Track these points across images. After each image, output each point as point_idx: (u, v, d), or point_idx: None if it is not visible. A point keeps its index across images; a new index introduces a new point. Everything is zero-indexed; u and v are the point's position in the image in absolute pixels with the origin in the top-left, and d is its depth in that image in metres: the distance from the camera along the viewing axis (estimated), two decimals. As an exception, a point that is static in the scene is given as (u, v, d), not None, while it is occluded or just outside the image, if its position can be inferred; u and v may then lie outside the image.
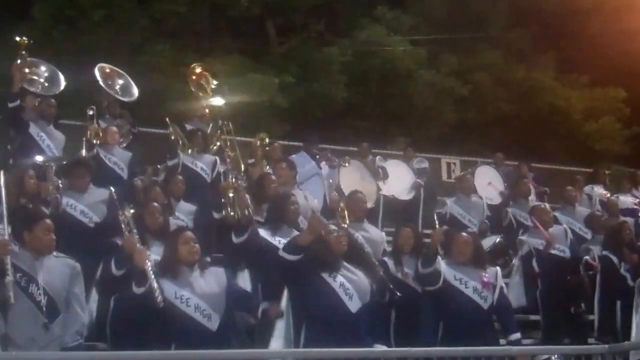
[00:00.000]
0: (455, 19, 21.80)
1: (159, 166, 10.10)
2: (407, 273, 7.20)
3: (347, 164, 10.68)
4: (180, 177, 8.72)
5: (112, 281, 6.31)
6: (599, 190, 12.83)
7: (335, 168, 10.61)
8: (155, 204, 7.08)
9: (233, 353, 4.87)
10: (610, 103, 21.96)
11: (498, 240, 9.58)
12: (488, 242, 9.45)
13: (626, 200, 12.16)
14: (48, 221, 5.66)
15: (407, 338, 6.70)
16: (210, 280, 5.76)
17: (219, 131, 10.19)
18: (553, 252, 9.06)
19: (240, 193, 7.45)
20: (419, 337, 6.70)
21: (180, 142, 9.93)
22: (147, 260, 5.63)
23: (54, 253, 5.60)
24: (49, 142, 9.31)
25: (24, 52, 8.75)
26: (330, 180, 9.95)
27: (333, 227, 6.26)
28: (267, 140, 10.62)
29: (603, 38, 20.93)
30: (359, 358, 5.34)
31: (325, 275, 5.92)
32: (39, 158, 8.11)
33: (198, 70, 10.82)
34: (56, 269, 5.51)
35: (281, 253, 6.10)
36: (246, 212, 7.25)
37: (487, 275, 6.80)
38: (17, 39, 8.77)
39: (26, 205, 6.84)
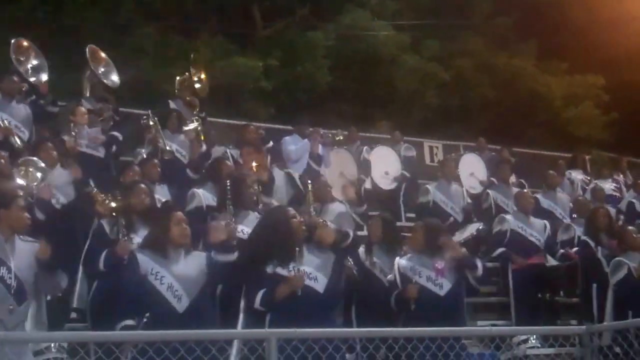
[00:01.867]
0: (438, 5, 21.93)
1: (140, 149, 10.01)
2: (374, 263, 7.23)
3: (340, 137, 10.75)
4: (155, 161, 8.63)
5: (96, 272, 6.43)
6: (578, 176, 12.99)
7: (328, 146, 10.70)
8: (143, 185, 7.04)
9: (216, 333, 4.78)
10: (589, 89, 22.15)
11: (480, 227, 9.64)
12: (470, 229, 9.55)
13: (605, 186, 12.31)
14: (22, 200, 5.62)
15: (368, 320, 6.80)
16: (189, 263, 5.65)
17: (199, 122, 10.19)
18: (528, 237, 9.26)
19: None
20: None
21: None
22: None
23: (20, 237, 5.46)
24: (11, 121, 9.01)
25: None
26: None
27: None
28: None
29: (583, 26, 21.18)
30: (343, 337, 5.37)
31: (283, 272, 5.72)
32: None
33: (198, 61, 10.89)
34: (24, 252, 5.39)
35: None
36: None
37: (440, 263, 6.70)
38: None
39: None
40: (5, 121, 8.80)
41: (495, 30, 22.39)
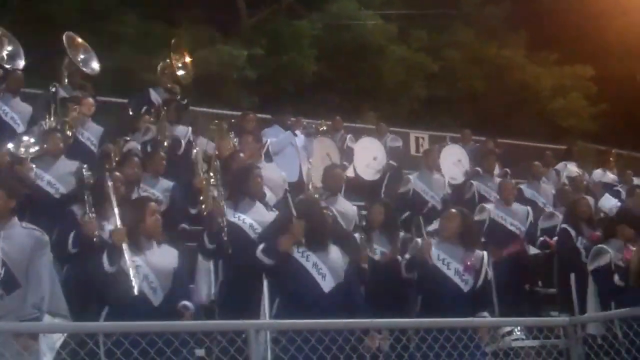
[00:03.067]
0: (427, -5, 21.76)
1: (127, 138, 9.87)
2: (375, 249, 7.19)
3: (324, 127, 10.60)
4: (162, 154, 8.54)
5: (66, 256, 6.26)
6: (572, 167, 12.88)
7: (311, 136, 10.48)
8: (118, 173, 6.97)
9: (212, 324, 4.83)
10: (577, 80, 22.06)
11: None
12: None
13: (610, 175, 12.35)
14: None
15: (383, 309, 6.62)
16: (164, 256, 5.69)
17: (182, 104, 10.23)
18: (508, 227, 9.16)
19: (211, 188, 7.30)
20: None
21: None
22: (124, 239, 5.50)
23: (22, 224, 5.47)
24: (12, 115, 9.20)
25: None
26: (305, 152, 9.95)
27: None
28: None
29: (573, 17, 21.12)
30: (335, 329, 5.19)
31: (297, 256, 5.78)
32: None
33: (179, 46, 10.81)
34: (18, 239, 5.34)
35: (258, 254, 5.79)
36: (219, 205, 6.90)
37: (471, 258, 6.56)
38: None
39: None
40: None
41: (484, 21, 22.27)
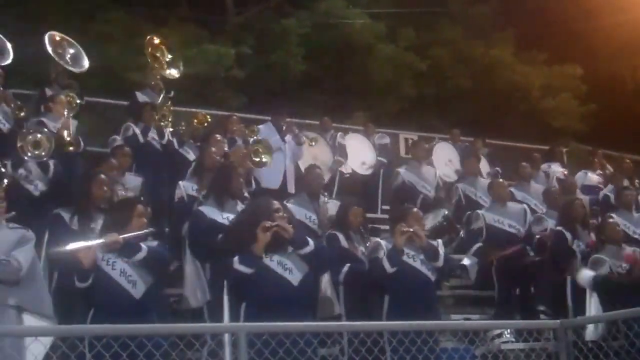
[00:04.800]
0: (415, -7, 21.67)
1: (116, 137, 9.95)
2: (356, 246, 7.36)
3: (314, 144, 10.58)
4: (127, 149, 8.62)
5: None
6: (556, 168, 12.90)
7: (302, 145, 10.45)
8: (103, 175, 6.98)
9: (188, 327, 4.70)
10: (567, 80, 21.97)
11: (445, 213, 9.50)
12: (436, 216, 9.40)
13: (592, 177, 12.27)
14: None
15: (353, 310, 6.92)
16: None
17: (168, 102, 10.22)
18: (507, 229, 9.13)
19: None
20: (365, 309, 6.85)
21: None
22: (93, 259, 5.53)
23: (9, 224, 5.55)
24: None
25: None
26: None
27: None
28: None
29: (561, 16, 21.01)
30: (313, 331, 5.35)
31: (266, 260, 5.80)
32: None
33: (155, 41, 10.62)
34: (5, 238, 5.43)
35: (236, 266, 5.75)
36: None
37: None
38: None
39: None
40: None
41: (472, 20, 22.13)
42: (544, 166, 12.84)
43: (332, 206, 8.14)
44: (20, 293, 5.40)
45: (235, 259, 5.73)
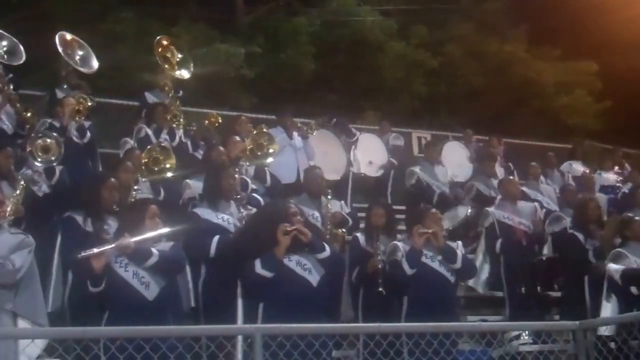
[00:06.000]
0: (426, -11, 21.54)
1: (128, 139, 9.93)
2: (378, 246, 7.30)
3: (312, 132, 10.50)
4: (137, 152, 8.58)
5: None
6: (578, 167, 12.79)
7: (307, 138, 10.36)
8: (113, 179, 6.94)
9: (202, 328, 4.84)
10: (582, 76, 21.79)
11: (469, 211, 9.43)
12: (460, 212, 9.34)
13: (609, 177, 12.13)
14: None
15: (375, 313, 6.85)
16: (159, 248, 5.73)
17: (177, 102, 10.28)
18: (516, 226, 9.10)
19: None
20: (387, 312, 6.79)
21: None
22: (105, 264, 5.52)
23: (11, 230, 5.62)
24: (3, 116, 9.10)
25: None
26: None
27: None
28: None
29: (575, 11, 20.76)
30: (328, 333, 5.29)
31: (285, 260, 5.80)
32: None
33: (164, 42, 10.69)
34: (5, 243, 5.48)
35: (258, 270, 5.70)
36: None
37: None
38: None
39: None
40: None
41: (485, 15, 21.97)
42: (565, 165, 12.79)
43: (334, 205, 8.16)
44: (15, 298, 5.47)
45: (257, 262, 5.68)
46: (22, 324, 5.43)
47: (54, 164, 7.61)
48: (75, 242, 6.19)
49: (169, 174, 8.08)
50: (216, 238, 6.69)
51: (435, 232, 6.85)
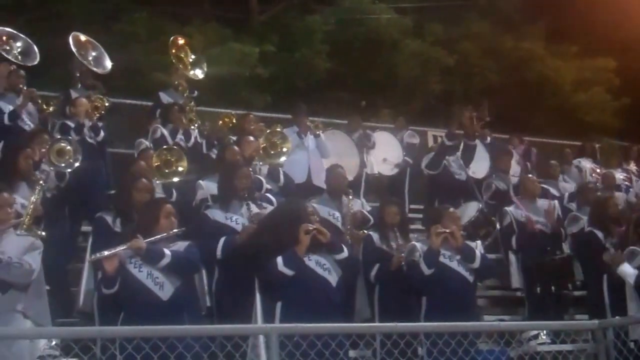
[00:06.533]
0: (442, -14, 21.46)
1: (143, 140, 9.93)
2: (392, 245, 7.32)
3: (319, 130, 10.46)
4: (151, 152, 8.52)
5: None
6: (587, 164, 12.76)
7: (318, 136, 10.30)
8: (145, 180, 6.97)
9: (217, 328, 4.87)
10: (599, 73, 21.65)
11: (480, 207, 9.41)
12: (471, 209, 9.24)
13: (617, 176, 12.03)
14: (5, 195, 5.80)
15: (390, 312, 6.84)
16: (173, 249, 5.71)
17: (192, 102, 10.25)
18: (535, 225, 9.02)
19: None
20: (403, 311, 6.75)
21: None
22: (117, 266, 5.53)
23: (17, 232, 5.68)
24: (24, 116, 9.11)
25: None
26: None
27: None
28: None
29: (593, 7, 20.58)
30: (345, 333, 5.32)
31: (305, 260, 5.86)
32: None
33: (179, 42, 10.70)
34: (15, 244, 5.57)
35: (280, 268, 5.78)
36: None
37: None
38: None
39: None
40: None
41: (501, 12, 21.91)
42: (574, 162, 12.67)
43: (355, 204, 8.11)
44: (24, 300, 5.55)
45: (279, 260, 5.76)
46: (27, 324, 5.51)
47: (69, 169, 7.57)
48: (105, 243, 6.16)
49: (180, 177, 8.01)
50: (222, 240, 6.64)
51: (453, 232, 6.80)
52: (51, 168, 7.44)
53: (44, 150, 7.57)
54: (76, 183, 7.89)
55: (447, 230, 6.78)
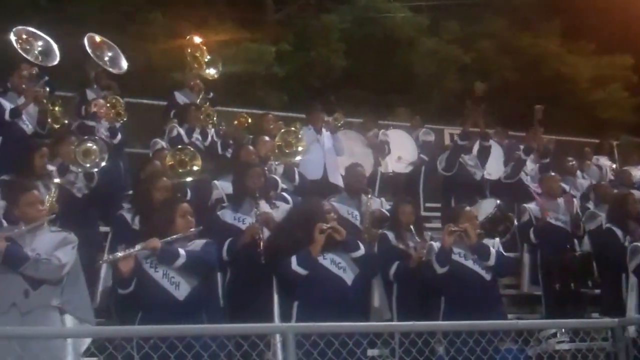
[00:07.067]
0: (458, -16, 21.38)
1: (158, 140, 9.93)
2: (408, 244, 7.33)
3: (339, 122, 10.38)
4: (166, 152, 8.55)
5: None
6: (604, 162, 12.70)
7: (334, 132, 10.30)
8: (165, 178, 7.02)
9: (234, 327, 4.76)
10: (617, 71, 21.55)
11: (498, 203, 9.33)
12: (488, 206, 9.18)
13: (636, 173, 11.91)
14: (36, 192, 5.73)
15: (409, 312, 6.80)
16: (189, 249, 5.70)
17: (207, 103, 10.34)
18: (554, 222, 8.97)
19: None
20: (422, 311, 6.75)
21: None
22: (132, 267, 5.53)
23: (51, 228, 5.64)
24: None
25: None
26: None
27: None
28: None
29: (610, 4, 20.47)
30: (362, 332, 5.34)
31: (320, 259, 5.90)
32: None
33: (195, 41, 10.68)
34: (47, 240, 5.51)
35: (294, 267, 5.84)
36: None
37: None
38: None
39: (14, 179, 6.89)
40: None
41: (517, 10, 21.82)
42: (592, 160, 12.55)
43: (374, 203, 8.08)
44: (62, 295, 5.48)
45: (293, 259, 5.82)
46: (69, 320, 5.46)
47: (96, 169, 7.57)
48: (123, 240, 6.21)
49: (194, 177, 7.99)
50: (227, 241, 6.61)
51: (466, 230, 6.74)
52: (79, 169, 7.45)
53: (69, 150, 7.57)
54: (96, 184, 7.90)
55: (458, 228, 6.74)
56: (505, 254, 7.08)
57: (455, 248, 6.74)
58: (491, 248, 6.82)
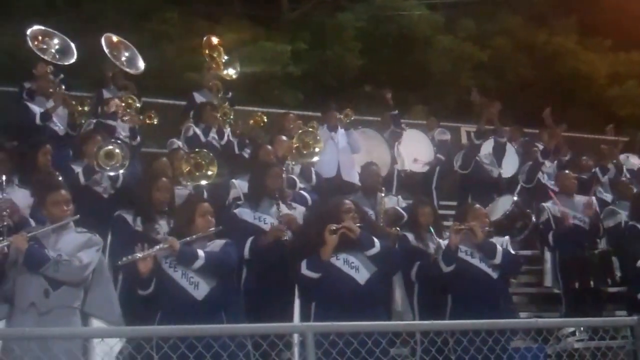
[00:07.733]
0: (474, -19, 21.32)
1: (175, 140, 9.92)
2: (428, 244, 7.29)
3: (349, 118, 10.38)
4: (182, 152, 8.49)
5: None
6: (634, 160, 12.56)
7: (349, 129, 10.22)
8: (165, 179, 6.94)
9: (253, 327, 4.80)
10: (633, 67, 21.32)
11: (515, 199, 9.32)
12: (506, 202, 9.13)
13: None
14: (63, 192, 5.67)
15: (430, 311, 6.73)
16: (208, 250, 5.68)
17: (226, 103, 10.26)
18: (571, 221, 8.89)
19: None
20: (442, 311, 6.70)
21: None
22: (151, 267, 5.51)
23: (78, 229, 5.60)
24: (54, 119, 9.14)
25: None
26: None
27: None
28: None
29: (626, 0, 20.34)
30: (380, 331, 5.23)
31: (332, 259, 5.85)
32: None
33: (213, 42, 10.65)
34: (71, 241, 5.50)
35: (304, 271, 5.82)
36: None
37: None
38: None
39: (40, 178, 6.87)
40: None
41: (533, 7, 21.75)
42: (622, 157, 12.46)
43: (390, 202, 8.07)
44: (87, 298, 5.48)
45: (303, 263, 5.79)
46: (96, 323, 5.45)
47: (120, 171, 7.51)
48: (124, 242, 6.20)
49: (210, 181, 7.96)
50: (250, 239, 6.61)
51: (472, 228, 6.69)
52: (100, 171, 7.43)
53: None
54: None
55: (465, 227, 6.70)
56: (512, 252, 7.00)
57: (462, 246, 6.70)
58: (498, 246, 6.75)
